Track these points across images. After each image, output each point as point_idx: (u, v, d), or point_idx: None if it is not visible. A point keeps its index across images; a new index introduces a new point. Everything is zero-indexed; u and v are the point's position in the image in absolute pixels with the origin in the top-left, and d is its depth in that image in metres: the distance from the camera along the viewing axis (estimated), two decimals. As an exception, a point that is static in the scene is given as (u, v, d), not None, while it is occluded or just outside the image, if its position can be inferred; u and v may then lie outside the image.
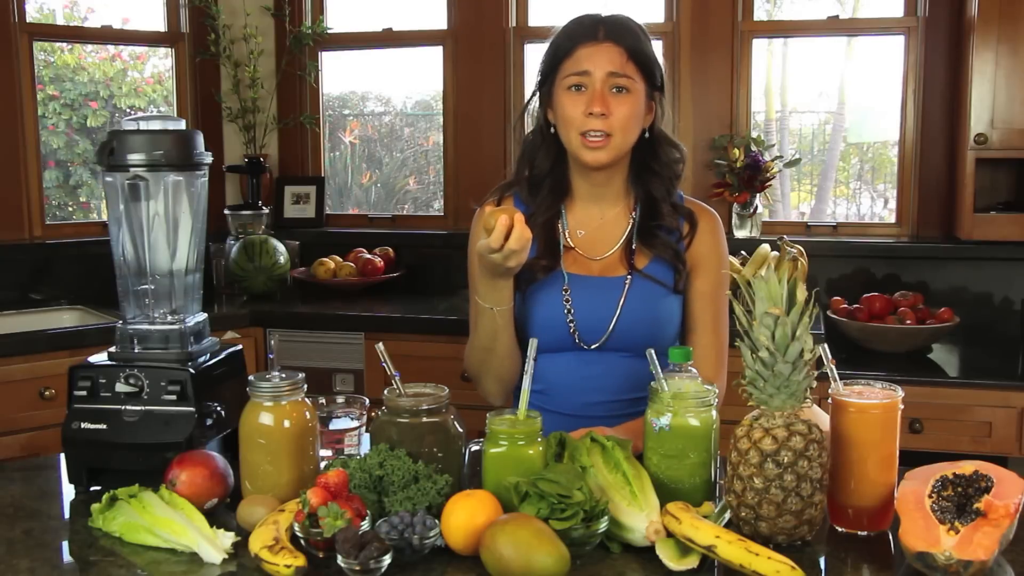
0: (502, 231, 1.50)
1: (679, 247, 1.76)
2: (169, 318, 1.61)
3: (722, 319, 1.78)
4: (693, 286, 1.77)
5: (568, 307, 1.73)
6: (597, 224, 1.78)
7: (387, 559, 1.17)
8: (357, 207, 4.10)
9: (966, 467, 1.26)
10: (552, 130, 1.74)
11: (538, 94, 1.77)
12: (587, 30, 1.69)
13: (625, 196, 1.79)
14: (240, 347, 1.69)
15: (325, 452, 1.55)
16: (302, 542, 1.25)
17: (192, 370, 1.53)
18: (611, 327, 1.72)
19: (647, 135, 1.74)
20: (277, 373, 1.43)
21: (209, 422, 1.55)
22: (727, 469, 1.30)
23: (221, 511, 1.41)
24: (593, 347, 1.73)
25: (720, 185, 3.34)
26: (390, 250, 3.59)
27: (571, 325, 1.73)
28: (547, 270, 1.74)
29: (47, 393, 2.73)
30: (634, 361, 1.70)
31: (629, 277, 1.74)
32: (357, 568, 1.16)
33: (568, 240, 1.78)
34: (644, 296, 1.73)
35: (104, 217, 3.65)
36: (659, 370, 1.38)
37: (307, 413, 1.43)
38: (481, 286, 1.67)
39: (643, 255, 1.76)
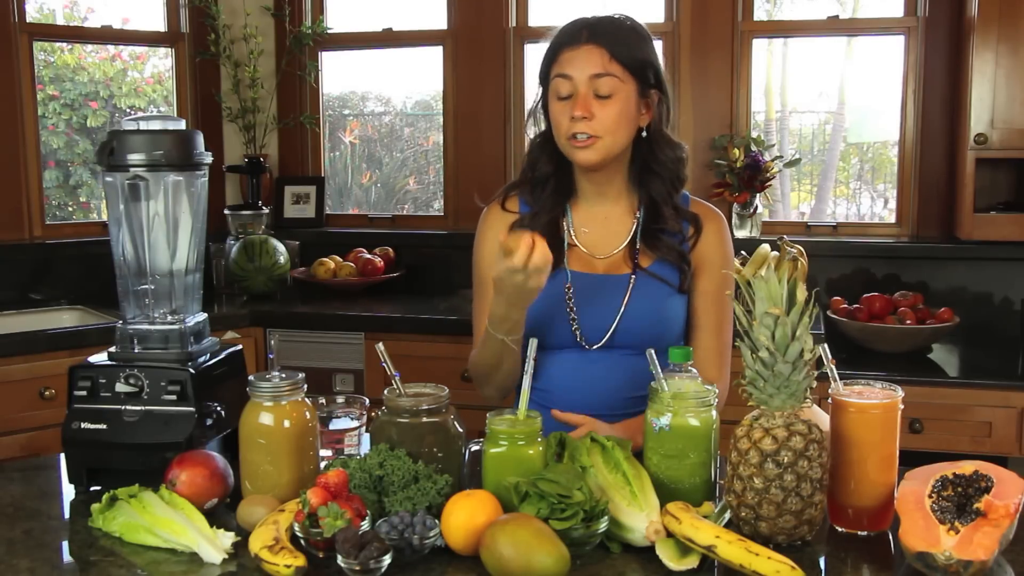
0: (526, 250, 1.49)
1: (683, 248, 1.76)
2: (169, 318, 1.61)
3: (726, 320, 1.78)
4: (697, 286, 1.77)
5: (571, 305, 1.73)
6: (601, 222, 1.78)
7: (387, 559, 1.17)
8: (357, 207, 4.10)
9: (966, 467, 1.26)
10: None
11: (540, 99, 1.78)
12: (570, 35, 1.68)
13: (628, 195, 1.79)
14: (240, 347, 1.69)
15: (325, 452, 1.55)
16: (302, 542, 1.25)
17: (192, 370, 1.53)
18: (614, 326, 1.72)
19: (644, 135, 1.73)
20: (277, 373, 1.43)
21: (209, 422, 1.55)
22: (727, 469, 1.30)
23: (221, 511, 1.41)
24: (595, 347, 1.73)
25: (720, 185, 3.34)
26: (390, 250, 3.59)
27: (573, 323, 1.73)
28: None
29: (47, 393, 2.73)
30: (636, 360, 1.70)
31: (633, 276, 1.74)
32: (357, 568, 1.16)
33: (573, 238, 1.78)
34: (648, 295, 1.73)
35: (104, 217, 3.65)
36: (659, 370, 1.38)
37: (307, 413, 1.43)
38: (496, 316, 1.62)
39: (647, 256, 1.75)
